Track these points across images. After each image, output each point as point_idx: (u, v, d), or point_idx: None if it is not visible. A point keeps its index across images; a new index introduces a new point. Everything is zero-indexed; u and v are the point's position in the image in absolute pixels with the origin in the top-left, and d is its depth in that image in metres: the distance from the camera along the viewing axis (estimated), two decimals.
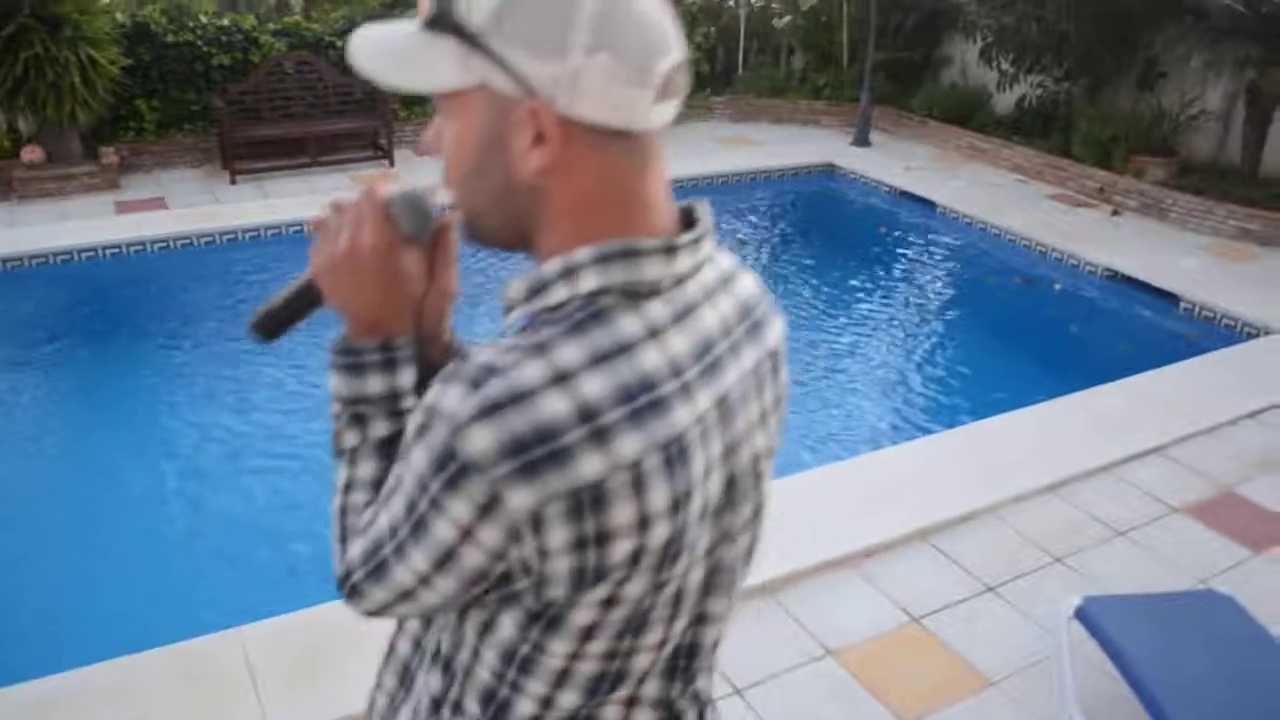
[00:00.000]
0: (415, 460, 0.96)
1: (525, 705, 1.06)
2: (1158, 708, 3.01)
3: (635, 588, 0.98)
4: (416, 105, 10.61)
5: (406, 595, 1.03)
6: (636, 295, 0.98)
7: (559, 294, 0.98)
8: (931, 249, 8.89)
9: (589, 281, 0.97)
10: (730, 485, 1.07)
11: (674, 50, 0.97)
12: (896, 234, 9.26)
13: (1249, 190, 8.61)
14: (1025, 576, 4.17)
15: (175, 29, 9.45)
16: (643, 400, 0.93)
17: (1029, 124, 10.57)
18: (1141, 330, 7.37)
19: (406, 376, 1.13)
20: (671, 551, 0.99)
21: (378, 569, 1.03)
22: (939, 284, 8.29)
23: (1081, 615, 3.33)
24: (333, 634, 3.62)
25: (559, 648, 1.02)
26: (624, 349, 0.94)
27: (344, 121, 9.79)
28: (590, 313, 0.96)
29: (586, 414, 0.91)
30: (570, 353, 0.93)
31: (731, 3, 12.66)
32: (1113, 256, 7.99)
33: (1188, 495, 4.77)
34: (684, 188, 9.74)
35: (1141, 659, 3.15)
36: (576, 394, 0.91)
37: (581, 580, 0.95)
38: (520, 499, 0.90)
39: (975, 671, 3.66)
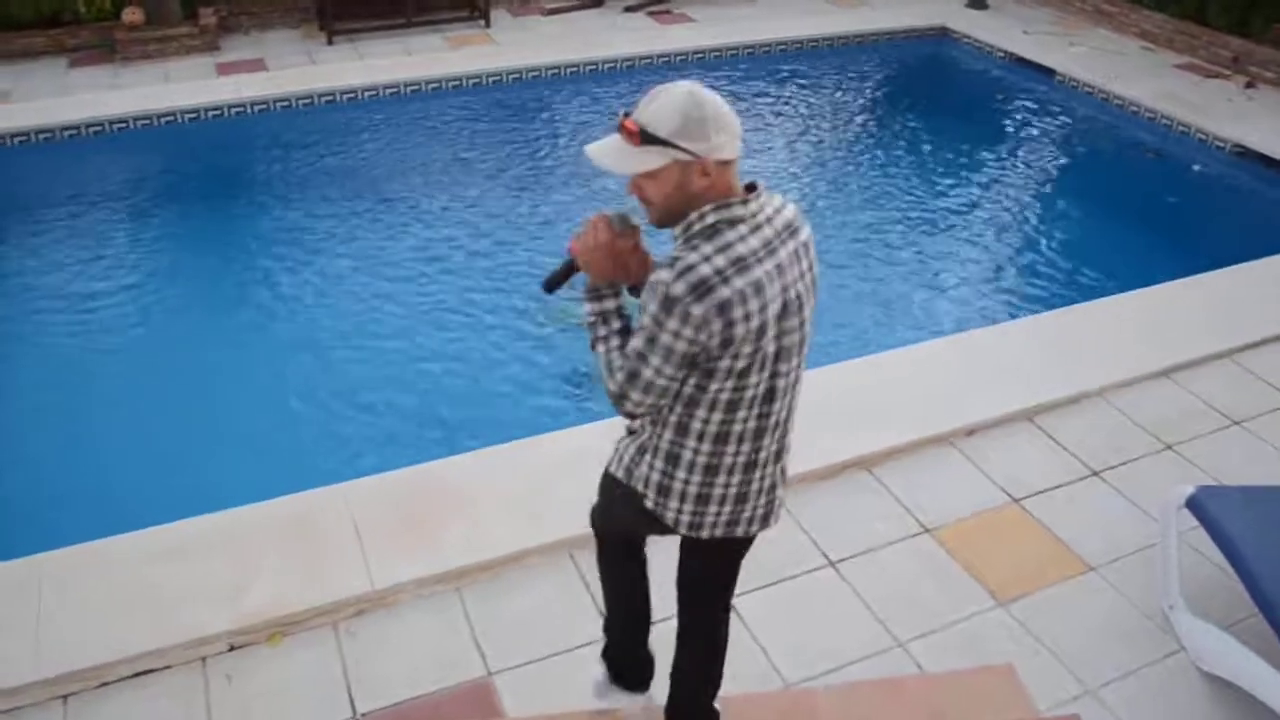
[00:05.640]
0: (649, 309, 1.98)
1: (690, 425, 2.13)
2: (1267, 601, 2.92)
3: (746, 348, 2.00)
4: None
5: (649, 387, 2.04)
6: (730, 221, 2.01)
7: (695, 227, 2.02)
8: (1048, 120, 8.45)
9: (709, 219, 2.01)
10: (785, 306, 2.03)
11: (734, 120, 2.00)
12: (1012, 103, 8.82)
13: None
14: (1132, 462, 4.06)
15: None
16: (739, 265, 1.97)
17: None
18: (1272, 211, 6.95)
19: (620, 299, 2.20)
20: (758, 333, 1.99)
21: (632, 375, 2.04)
22: (1054, 157, 7.90)
23: (1193, 504, 3.22)
24: (434, 492, 3.72)
25: (713, 385, 2.04)
26: (729, 244, 1.98)
27: None
28: (710, 232, 2.00)
29: (718, 272, 1.95)
30: (708, 249, 1.98)
31: None
32: (1245, 131, 7.50)
33: None
34: (787, 52, 9.40)
35: (1254, 551, 3.04)
36: (713, 264, 1.96)
37: (726, 344, 1.97)
38: (698, 310, 1.93)
39: (1075, 555, 3.60)
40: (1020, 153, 7.93)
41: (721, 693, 2.77)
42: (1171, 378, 4.58)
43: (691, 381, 2.05)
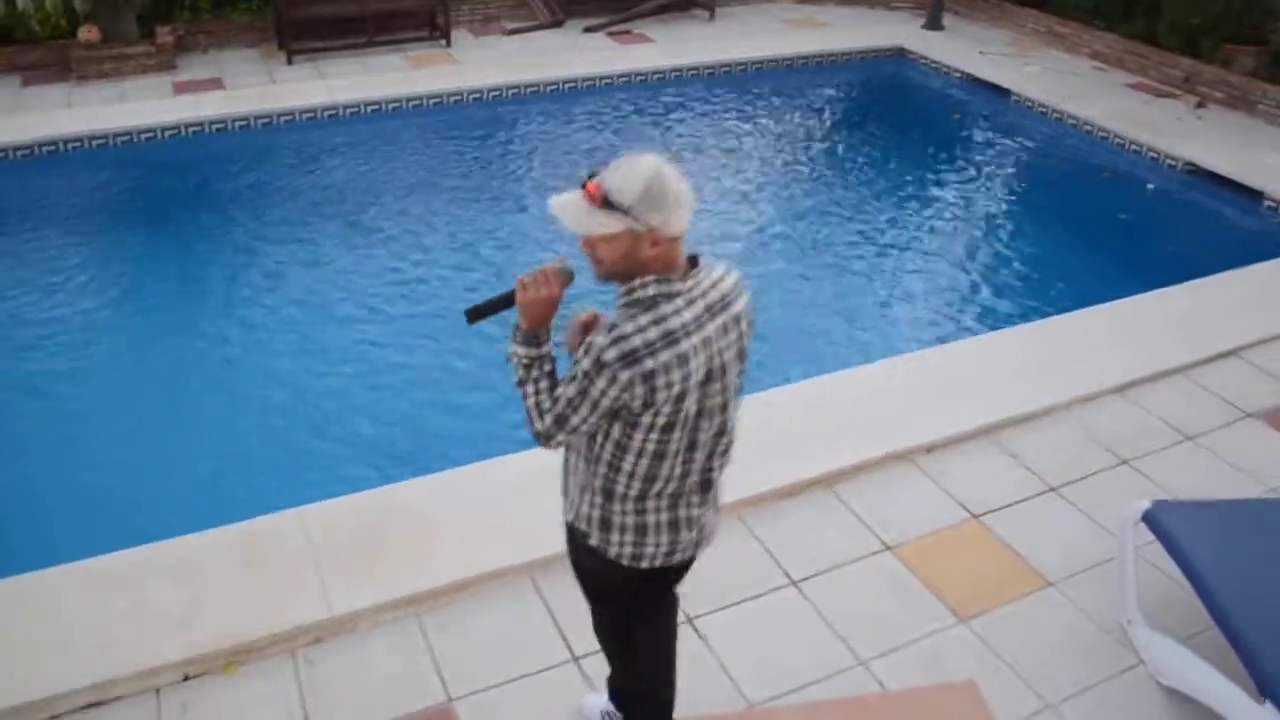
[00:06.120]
0: (582, 364, 2.13)
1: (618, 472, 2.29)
2: (1223, 615, 2.95)
3: (667, 408, 2.16)
4: None
5: (575, 430, 2.22)
6: (668, 296, 2.15)
7: (637, 295, 2.16)
8: (1004, 139, 8.57)
9: (650, 290, 2.15)
10: (708, 374, 2.20)
11: (691, 198, 2.14)
12: (968, 123, 8.94)
13: None
14: (1090, 478, 4.10)
15: None
16: (669, 339, 2.11)
17: (1111, 6, 10.03)
18: (1221, 228, 7.08)
19: (552, 344, 2.30)
20: (679, 396, 2.15)
21: (561, 419, 2.21)
22: (1009, 176, 8.01)
23: (1149, 519, 3.26)
24: (393, 516, 3.68)
25: (637, 436, 2.20)
26: (663, 318, 2.12)
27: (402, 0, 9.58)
28: (650, 303, 2.15)
29: (647, 345, 2.10)
30: (644, 319, 2.12)
31: None
32: (1195, 150, 7.65)
33: (1262, 400, 4.62)
34: (746, 72, 9.47)
35: (1209, 565, 3.08)
36: (645, 336, 2.10)
37: (647, 405, 2.13)
38: (625, 375, 2.08)
39: (1034, 571, 3.63)
40: (976, 171, 8.02)
41: (683, 713, 2.76)
42: (1127, 394, 4.64)
43: (617, 429, 2.21)
